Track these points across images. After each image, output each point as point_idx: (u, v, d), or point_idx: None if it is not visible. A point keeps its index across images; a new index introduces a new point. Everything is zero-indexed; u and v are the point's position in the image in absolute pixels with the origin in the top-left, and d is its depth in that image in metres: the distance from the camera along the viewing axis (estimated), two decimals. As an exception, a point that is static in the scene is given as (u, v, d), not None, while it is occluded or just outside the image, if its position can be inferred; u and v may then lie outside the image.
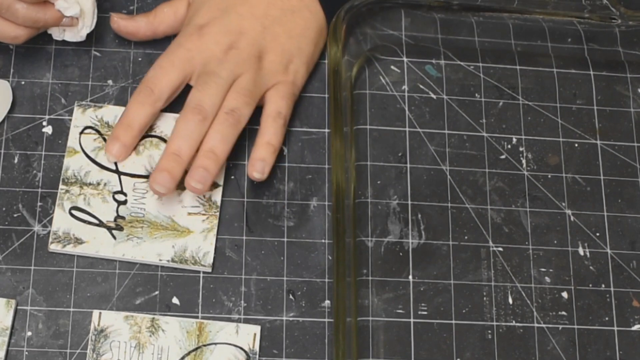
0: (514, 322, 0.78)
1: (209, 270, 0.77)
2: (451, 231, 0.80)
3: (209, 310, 0.76)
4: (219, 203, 0.79)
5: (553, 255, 0.80)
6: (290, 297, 0.77)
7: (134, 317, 0.75)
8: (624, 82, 0.87)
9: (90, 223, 0.77)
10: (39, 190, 0.79)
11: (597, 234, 0.81)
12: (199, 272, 0.77)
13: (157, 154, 0.80)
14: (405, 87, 0.85)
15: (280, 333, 0.76)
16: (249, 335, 0.75)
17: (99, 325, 0.75)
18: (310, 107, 0.83)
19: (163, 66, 0.79)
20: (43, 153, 0.80)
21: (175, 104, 0.82)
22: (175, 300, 0.76)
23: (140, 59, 0.83)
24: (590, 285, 0.80)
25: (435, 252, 0.80)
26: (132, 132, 0.78)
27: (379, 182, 0.81)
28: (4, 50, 0.83)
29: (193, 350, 0.74)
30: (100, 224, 0.77)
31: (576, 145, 0.84)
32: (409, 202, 0.81)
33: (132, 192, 0.79)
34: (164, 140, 0.80)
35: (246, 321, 0.76)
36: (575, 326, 0.78)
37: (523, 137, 0.84)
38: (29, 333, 0.74)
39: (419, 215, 0.81)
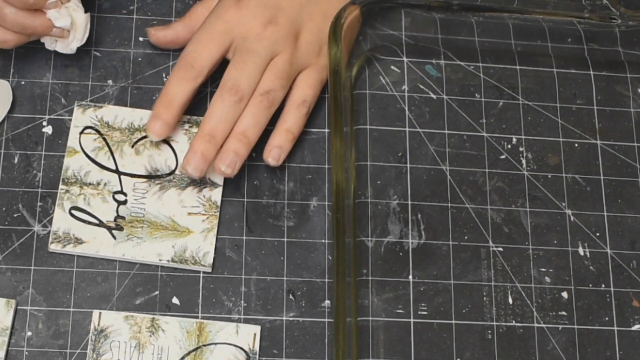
0: (514, 322, 0.78)
1: (209, 270, 0.77)
2: (451, 231, 0.80)
3: (209, 310, 0.76)
4: (219, 203, 0.79)
5: (553, 255, 0.80)
6: (290, 297, 0.77)
7: (134, 317, 0.75)
8: (624, 82, 0.87)
9: (90, 223, 0.77)
10: (39, 190, 0.79)
11: (597, 234, 0.81)
12: (199, 272, 0.77)
13: (157, 154, 0.80)
14: (405, 87, 0.85)
15: (280, 333, 0.76)
16: (249, 335, 0.75)
17: (99, 325, 0.75)
18: (310, 107, 0.83)
19: (202, 40, 0.78)
20: (43, 153, 0.80)
21: (175, 104, 0.82)
22: (175, 300, 0.76)
23: (140, 59, 0.83)
24: (590, 285, 0.80)
25: (435, 252, 0.80)
26: (173, 110, 0.78)
27: (379, 182, 0.81)
28: (4, 50, 0.82)
29: (193, 350, 0.74)
30: (100, 224, 0.77)
31: (576, 145, 0.84)
32: (409, 202, 0.81)
33: (132, 192, 0.79)
34: (164, 140, 0.80)
35: (246, 321, 0.76)
36: (575, 326, 0.78)
37: (523, 137, 0.84)
38: (29, 333, 0.74)
39: (419, 215, 0.81)
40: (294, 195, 0.80)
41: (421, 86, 0.85)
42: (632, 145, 0.85)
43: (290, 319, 0.77)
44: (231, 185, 0.80)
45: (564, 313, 0.79)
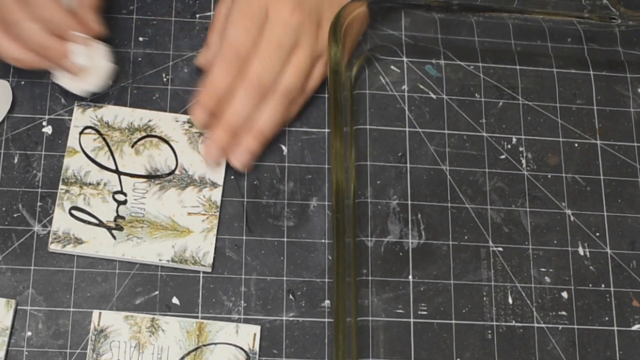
0: (514, 322, 0.78)
1: (209, 270, 0.77)
2: (451, 231, 0.80)
3: (209, 310, 0.76)
4: (219, 203, 0.79)
5: (553, 255, 0.80)
6: (290, 297, 0.77)
7: (134, 317, 0.75)
8: (624, 82, 0.87)
9: (90, 223, 0.77)
10: (39, 190, 0.79)
11: (597, 234, 0.81)
12: (199, 272, 0.77)
13: (157, 154, 0.80)
14: (405, 87, 0.85)
15: (280, 333, 0.76)
16: (248, 335, 0.75)
17: (99, 325, 0.75)
18: (310, 107, 0.83)
19: (243, 23, 0.78)
20: (43, 153, 0.80)
21: (176, 104, 0.82)
22: (175, 300, 0.76)
23: (140, 59, 0.83)
24: (590, 285, 0.80)
25: (435, 252, 0.80)
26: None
27: (379, 182, 0.81)
28: (4, 50, 0.83)
29: (193, 350, 0.74)
30: (100, 224, 0.77)
31: (576, 145, 0.84)
32: (409, 202, 0.81)
33: (132, 192, 0.79)
34: (164, 141, 0.80)
35: (246, 321, 0.76)
36: (575, 326, 0.78)
37: (523, 137, 0.84)
38: (29, 333, 0.74)
39: (419, 215, 0.81)
40: (294, 195, 0.80)
41: (421, 86, 0.85)
42: (632, 145, 0.85)
43: (290, 319, 0.77)
44: (231, 185, 0.80)
45: (564, 313, 0.79)
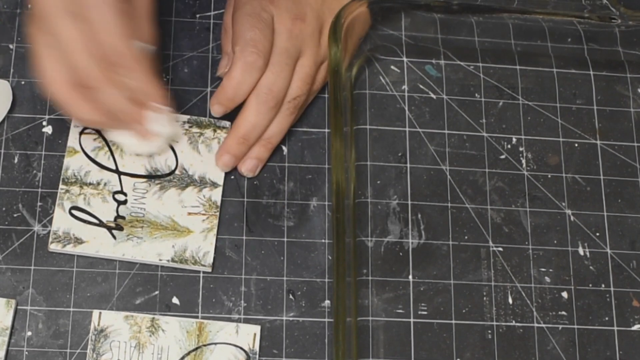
0: (514, 322, 0.78)
1: (209, 270, 0.77)
2: (451, 231, 0.80)
3: (209, 310, 0.76)
4: (219, 203, 0.79)
5: (553, 255, 0.80)
6: (290, 297, 0.77)
7: (134, 317, 0.75)
8: (624, 82, 0.87)
9: (90, 223, 0.77)
10: (39, 190, 0.79)
11: (597, 234, 0.81)
12: (199, 272, 0.77)
13: (156, 154, 0.80)
14: (405, 87, 0.85)
15: (280, 333, 0.76)
16: (249, 335, 0.75)
17: (99, 325, 0.75)
18: (310, 107, 0.83)
19: (255, 24, 0.78)
20: (43, 153, 0.80)
21: (176, 104, 0.82)
22: (175, 300, 0.76)
23: (140, 59, 0.83)
24: (590, 285, 0.80)
25: (435, 252, 0.80)
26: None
27: (379, 182, 0.81)
28: (4, 50, 0.83)
29: (193, 350, 0.74)
30: (100, 223, 0.77)
31: (576, 145, 0.84)
32: (409, 202, 0.81)
33: (132, 192, 0.79)
34: (164, 140, 0.81)
35: (246, 321, 0.76)
36: (575, 326, 0.78)
37: (523, 137, 0.84)
38: (29, 333, 0.74)
39: (419, 215, 0.81)
40: (294, 195, 0.80)
41: (421, 86, 0.85)
42: (632, 145, 0.85)
43: (290, 319, 0.77)
44: (231, 185, 0.80)
45: (564, 313, 0.79)
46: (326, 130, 0.83)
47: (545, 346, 0.78)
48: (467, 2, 0.84)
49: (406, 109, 0.84)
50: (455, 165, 0.83)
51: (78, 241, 0.77)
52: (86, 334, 0.75)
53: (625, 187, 0.83)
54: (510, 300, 0.79)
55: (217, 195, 0.79)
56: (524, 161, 0.83)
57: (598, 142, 0.85)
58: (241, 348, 0.75)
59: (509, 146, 0.84)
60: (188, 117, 0.81)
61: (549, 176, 0.83)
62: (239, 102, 0.79)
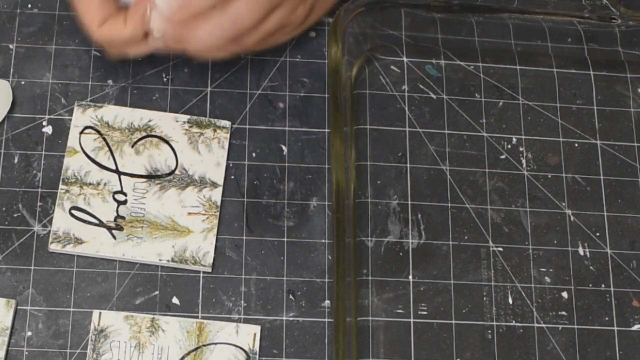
0: (514, 322, 0.78)
1: (209, 270, 0.77)
2: (451, 231, 0.80)
3: (209, 310, 0.76)
4: (219, 203, 0.79)
5: (553, 255, 0.80)
6: (290, 297, 0.77)
7: (134, 317, 0.75)
8: (624, 82, 0.87)
9: (90, 223, 0.77)
10: (39, 190, 0.79)
11: (597, 234, 0.81)
12: (199, 272, 0.77)
13: (157, 154, 0.80)
14: (405, 87, 0.85)
15: (280, 333, 0.76)
16: (249, 335, 0.75)
17: (99, 325, 0.75)
18: (310, 107, 0.83)
19: None
20: (43, 153, 0.80)
21: (176, 104, 0.82)
22: (175, 300, 0.76)
23: (140, 59, 0.83)
24: (590, 285, 0.80)
25: (435, 252, 0.80)
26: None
27: (379, 182, 0.81)
28: (4, 50, 0.83)
29: (193, 350, 0.74)
30: (100, 224, 0.77)
31: (576, 145, 0.84)
32: (409, 202, 0.81)
33: (132, 192, 0.79)
34: (164, 140, 0.80)
35: (246, 321, 0.76)
36: (575, 326, 0.78)
37: (523, 137, 0.84)
38: (29, 333, 0.75)
39: (419, 215, 0.81)
40: (294, 195, 0.81)
41: (421, 86, 0.85)
42: (632, 145, 0.85)
43: (290, 319, 0.77)
44: (231, 185, 0.80)
45: (564, 313, 0.79)
46: (326, 130, 0.83)
47: (545, 346, 0.78)
48: (467, 2, 0.84)
49: (406, 109, 0.84)
50: (455, 165, 0.83)
51: (78, 241, 0.77)
52: (86, 334, 0.75)
53: (625, 187, 0.83)
54: (510, 300, 0.79)
55: (217, 195, 0.79)
56: (524, 161, 0.83)
57: (598, 142, 0.85)
58: (241, 348, 0.75)
59: (509, 146, 0.84)
60: (188, 117, 0.81)
61: (549, 176, 0.83)
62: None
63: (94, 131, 0.80)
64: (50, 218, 0.78)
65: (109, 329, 0.75)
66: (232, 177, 0.81)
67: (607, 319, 0.79)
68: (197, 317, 0.76)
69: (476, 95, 0.85)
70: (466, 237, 0.80)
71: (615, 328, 0.79)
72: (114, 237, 0.77)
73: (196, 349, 0.75)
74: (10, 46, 0.83)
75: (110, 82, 0.83)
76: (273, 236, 0.79)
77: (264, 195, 0.80)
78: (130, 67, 0.83)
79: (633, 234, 0.82)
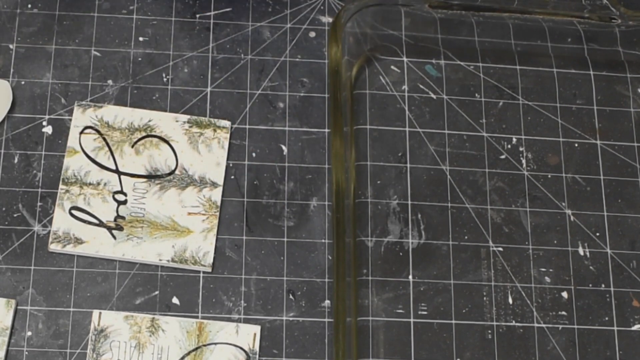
0: (514, 322, 0.78)
1: (209, 270, 0.77)
2: (451, 231, 0.80)
3: (209, 310, 0.76)
4: (219, 203, 0.79)
5: (553, 255, 0.80)
6: (290, 297, 0.77)
7: (134, 317, 0.75)
8: (624, 82, 0.87)
9: (90, 223, 0.77)
10: (39, 190, 0.79)
11: (597, 234, 0.81)
12: (199, 272, 0.77)
13: (157, 154, 0.80)
14: (405, 87, 0.85)
15: (280, 333, 0.76)
16: (249, 335, 0.75)
17: (99, 325, 0.75)
18: (310, 107, 0.83)
19: None
20: (43, 153, 0.80)
21: (176, 104, 0.82)
22: (175, 300, 0.76)
23: (140, 59, 0.84)
24: (590, 285, 0.80)
25: (435, 252, 0.80)
26: None
27: (379, 182, 0.81)
28: (4, 50, 0.83)
29: (193, 350, 0.74)
30: (100, 224, 0.77)
31: (576, 145, 0.84)
32: (409, 202, 0.81)
33: (132, 192, 0.79)
34: (164, 140, 0.81)
35: (246, 321, 0.76)
36: (575, 326, 0.78)
37: (523, 137, 0.84)
38: (29, 333, 0.74)
39: (419, 215, 0.81)
40: (294, 195, 0.81)
41: (421, 86, 0.85)
42: (632, 145, 0.85)
43: (290, 319, 0.77)
44: (231, 185, 0.80)
45: (564, 313, 0.79)
46: (326, 130, 0.83)
47: (545, 346, 0.78)
48: (467, 2, 0.84)
49: (406, 109, 0.84)
50: (455, 165, 0.83)
51: (78, 241, 0.77)
52: (86, 334, 0.75)
53: (625, 187, 0.83)
54: (510, 300, 0.79)
55: (217, 195, 0.79)
56: (524, 161, 0.83)
57: (598, 142, 0.85)
58: (241, 348, 0.75)
59: (509, 146, 0.84)
60: (188, 117, 0.81)
61: (549, 176, 0.83)
62: None
63: (94, 131, 0.80)
64: (50, 218, 0.78)
65: (109, 329, 0.74)
66: (232, 177, 0.81)
67: (607, 319, 0.79)
68: (197, 317, 0.76)
69: (476, 95, 0.85)
70: (466, 237, 0.80)
71: (615, 328, 0.79)
72: (114, 237, 0.77)
73: (196, 349, 0.75)
74: (10, 46, 0.83)
75: (110, 82, 0.83)
76: (273, 236, 0.79)
77: (264, 195, 0.80)
78: (130, 67, 0.83)
79: (633, 234, 0.82)
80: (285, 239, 0.79)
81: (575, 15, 0.85)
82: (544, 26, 0.86)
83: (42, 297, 0.75)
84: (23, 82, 0.82)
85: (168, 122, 0.81)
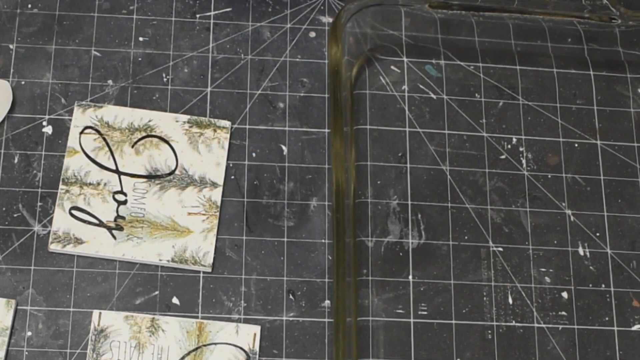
0: (514, 322, 0.78)
1: (209, 270, 0.77)
2: (451, 231, 0.80)
3: (209, 310, 0.76)
4: (219, 203, 0.79)
5: (553, 255, 0.80)
6: (290, 297, 0.77)
7: (134, 317, 0.75)
8: (624, 82, 0.87)
9: (90, 223, 0.77)
10: (39, 190, 0.79)
11: (597, 234, 0.81)
12: (199, 272, 0.77)
13: (157, 154, 0.80)
14: (405, 87, 0.85)
15: (280, 333, 0.76)
16: (249, 335, 0.75)
17: (99, 325, 0.75)
18: (310, 107, 0.83)
19: None
20: (43, 153, 0.80)
21: (176, 104, 0.82)
22: (175, 300, 0.76)
23: (140, 59, 0.84)
24: (590, 285, 0.80)
25: (435, 252, 0.80)
26: None
27: (379, 182, 0.81)
28: (4, 50, 0.83)
29: (193, 350, 0.74)
30: (100, 224, 0.77)
31: (576, 145, 0.84)
32: (409, 202, 0.81)
33: (132, 192, 0.79)
34: (164, 140, 0.81)
35: (246, 321, 0.76)
36: (575, 326, 0.78)
37: (523, 137, 0.84)
38: (29, 333, 0.75)
39: (419, 215, 0.81)
40: (294, 195, 0.81)
41: (421, 86, 0.85)
42: (632, 145, 0.85)
43: (290, 319, 0.77)
44: (231, 185, 0.80)
45: (564, 313, 0.79)
46: (326, 130, 0.83)
47: (545, 346, 0.78)
48: (467, 2, 0.84)
49: (406, 109, 0.84)
50: (455, 165, 0.83)
51: (78, 241, 0.77)
52: (86, 334, 0.75)
53: (625, 187, 0.83)
54: (510, 300, 0.79)
55: (217, 195, 0.79)
56: (524, 161, 0.83)
57: (598, 142, 0.85)
58: (241, 348, 0.75)
59: (509, 146, 0.84)
60: (188, 117, 0.81)
61: (549, 176, 0.83)
62: None
63: (94, 131, 0.80)
64: (50, 218, 0.78)
65: (109, 329, 0.75)
66: (232, 177, 0.81)
67: (607, 319, 0.79)
68: (197, 317, 0.76)
69: (476, 95, 0.85)
70: (466, 237, 0.80)
71: (615, 328, 0.79)
72: (114, 237, 0.77)
73: (196, 349, 0.75)
74: (10, 46, 0.83)
75: (110, 82, 0.83)
76: (273, 236, 0.79)
77: (264, 195, 0.80)
78: (130, 67, 0.83)
79: (633, 234, 0.82)
80: (285, 239, 0.79)
81: (575, 15, 0.85)
82: (544, 26, 0.86)
83: (42, 297, 0.75)
84: (23, 82, 0.82)
85: (168, 122, 0.81)
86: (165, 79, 0.83)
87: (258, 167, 0.81)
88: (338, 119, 0.78)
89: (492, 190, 0.82)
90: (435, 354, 0.77)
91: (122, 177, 0.79)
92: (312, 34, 0.86)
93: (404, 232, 0.80)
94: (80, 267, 0.77)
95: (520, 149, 0.84)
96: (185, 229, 0.78)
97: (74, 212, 0.78)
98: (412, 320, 0.77)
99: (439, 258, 0.79)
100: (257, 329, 0.76)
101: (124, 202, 0.78)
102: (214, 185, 0.80)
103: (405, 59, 0.86)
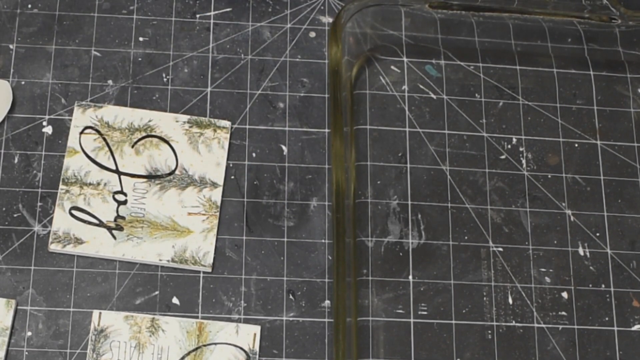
0: (514, 322, 0.78)
1: (209, 270, 0.77)
2: (451, 231, 0.80)
3: (209, 310, 0.76)
4: (219, 203, 0.79)
5: (553, 255, 0.80)
6: (290, 297, 0.77)
7: (134, 317, 0.75)
8: (624, 82, 0.87)
9: (90, 223, 0.77)
10: (39, 190, 0.79)
11: (597, 234, 0.81)
12: (199, 272, 0.77)
13: (157, 154, 0.80)
14: (405, 87, 0.85)
15: (280, 333, 0.76)
16: (249, 335, 0.75)
17: (99, 325, 0.75)
18: (310, 107, 0.83)
19: None
20: (43, 153, 0.80)
21: (176, 104, 0.82)
22: (175, 300, 0.76)
23: (140, 59, 0.84)
24: (590, 285, 0.80)
25: (435, 252, 0.80)
26: None
27: (379, 182, 0.81)
28: (4, 50, 0.83)
29: (193, 350, 0.74)
30: (100, 224, 0.77)
31: (576, 145, 0.84)
32: (409, 202, 0.81)
33: (132, 192, 0.79)
34: (164, 140, 0.81)
35: (246, 321, 0.76)
36: (575, 326, 0.78)
37: (523, 137, 0.84)
38: (29, 333, 0.75)
39: (419, 215, 0.81)
40: (294, 195, 0.81)
41: (421, 86, 0.85)
42: (632, 145, 0.85)
43: (290, 319, 0.77)
44: (231, 185, 0.80)
45: (564, 313, 0.79)
46: (326, 130, 0.83)
47: (545, 346, 0.78)
48: (467, 2, 0.84)
49: (406, 109, 0.84)
50: (455, 165, 0.83)
51: (78, 241, 0.77)
52: (86, 334, 0.75)
53: (625, 187, 0.83)
54: (510, 301, 0.79)
55: (217, 195, 0.79)
56: (524, 161, 0.83)
57: (598, 142, 0.85)
58: (241, 348, 0.75)
59: (509, 146, 0.84)
60: (188, 117, 0.81)
61: (549, 176, 0.83)
62: None
63: (94, 131, 0.80)
64: (50, 218, 0.78)
65: (109, 329, 0.75)
66: (232, 177, 0.81)
67: (607, 319, 0.79)
68: (197, 317, 0.76)
69: (476, 95, 0.85)
70: (466, 237, 0.80)
71: (615, 328, 0.79)
72: (114, 237, 0.77)
73: (196, 349, 0.75)
74: (10, 46, 0.83)
75: (110, 82, 0.83)
76: (273, 236, 0.79)
77: (264, 195, 0.80)
78: (130, 67, 0.83)
79: (633, 234, 0.82)
80: (285, 239, 0.79)
81: (575, 15, 0.85)
82: (544, 26, 0.86)
83: (42, 297, 0.76)
84: (23, 82, 0.82)
85: (168, 122, 0.81)
86: (165, 79, 0.83)
87: (258, 167, 0.81)
88: (338, 119, 0.78)
89: (492, 190, 0.82)
90: (435, 354, 0.77)
91: (122, 177, 0.79)
92: (312, 34, 0.86)
93: (404, 232, 0.80)
94: (80, 267, 0.77)
95: (520, 149, 0.84)
96: (185, 229, 0.78)
97: (74, 212, 0.78)
98: (412, 320, 0.77)
99: (439, 258, 0.79)
100: (257, 329, 0.76)
101: (124, 202, 0.78)
102: (214, 185, 0.80)
103: (405, 59, 0.86)
